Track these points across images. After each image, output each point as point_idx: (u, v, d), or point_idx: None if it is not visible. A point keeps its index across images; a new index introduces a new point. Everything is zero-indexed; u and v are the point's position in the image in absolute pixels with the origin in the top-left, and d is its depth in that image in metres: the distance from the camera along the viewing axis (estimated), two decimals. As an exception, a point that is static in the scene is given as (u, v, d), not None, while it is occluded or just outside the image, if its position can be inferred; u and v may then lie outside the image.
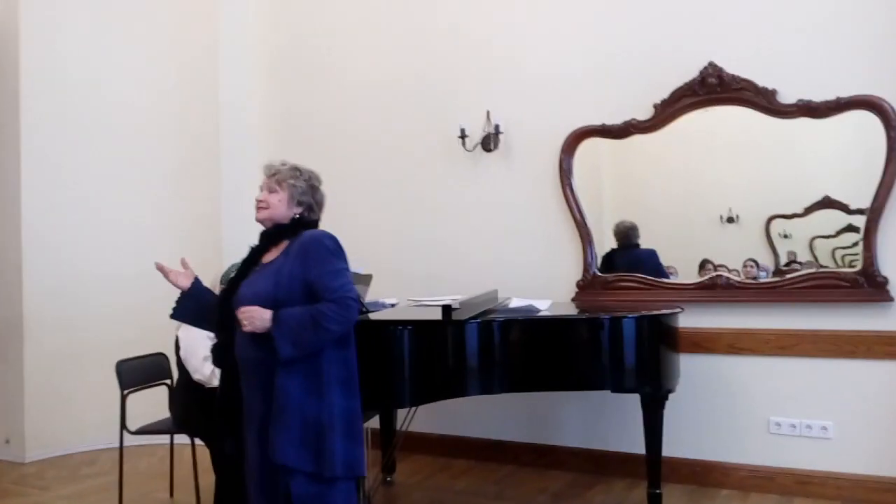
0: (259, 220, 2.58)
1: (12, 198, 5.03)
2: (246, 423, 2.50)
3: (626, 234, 4.33)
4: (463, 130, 4.59)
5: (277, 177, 2.55)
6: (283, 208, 2.54)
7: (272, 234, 2.55)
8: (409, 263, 4.83)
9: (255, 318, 2.33)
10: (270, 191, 2.55)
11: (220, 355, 2.55)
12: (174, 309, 2.63)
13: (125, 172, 5.32)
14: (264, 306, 2.35)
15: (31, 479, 4.52)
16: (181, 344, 3.63)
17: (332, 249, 2.45)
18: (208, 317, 2.63)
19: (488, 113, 4.56)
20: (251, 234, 5.35)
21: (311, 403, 2.36)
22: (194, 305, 2.61)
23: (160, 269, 2.59)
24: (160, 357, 3.92)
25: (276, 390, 2.35)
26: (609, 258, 4.37)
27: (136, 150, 5.35)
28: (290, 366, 2.35)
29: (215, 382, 3.51)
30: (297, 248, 2.45)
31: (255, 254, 2.57)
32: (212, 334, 3.59)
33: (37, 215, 5.03)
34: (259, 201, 2.56)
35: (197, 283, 2.64)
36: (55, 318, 5.04)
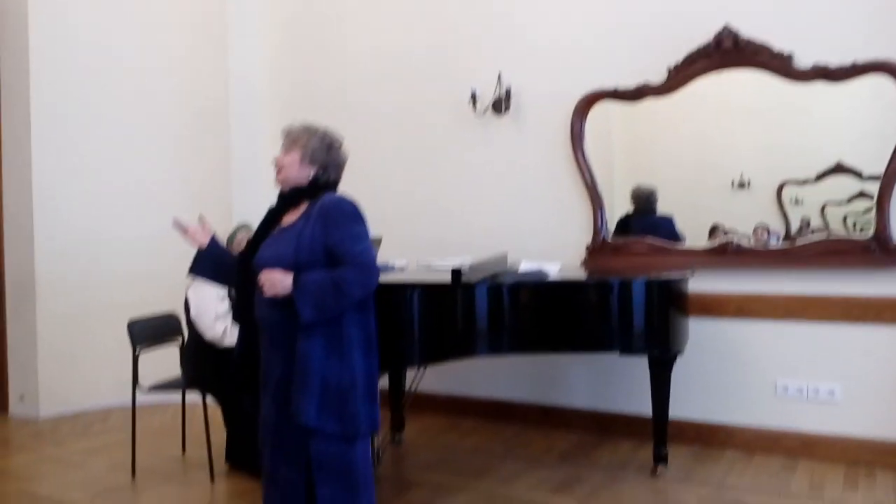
0: (278, 183, 2.56)
1: (23, 160, 5.03)
2: (262, 383, 2.53)
3: (646, 200, 4.29)
4: (474, 93, 4.56)
5: (291, 136, 2.53)
6: (296, 168, 2.50)
7: (290, 196, 2.53)
8: (418, 226, 4.84)
9: (277, 282, 2.34)
10: (285, 151, 2.53)
11: (239, 315, 2.57)
12: (192, 265, 2.66)
13: (135, 135, 5.32)
14: (285, 269, 2.36)
15: (46, 435, 4.60)
16: (191, 304, 3.67)
17: (353, 214, 2.44)
18: (225, 275, 2.67)
19: (500, 75, 4.52)
20: (260, 196, 5.40)
21: (332, 365, 2.38)
22: (212, 263, 2.64)
23: (178, 225, 2.60)
24: (172, 316, 3.95)
25: (298, 354, 2.37)
26: (624, 223, 4.36)
27: (146, 114, 5.35)
28: (311, 329, 2.37)
29: (227, 342, 3.56)
30: (317, 212, 2.43)
31: (274, 215, 2.55)
32: (222, 294, 3.64)
33: (47, 177, 5.04)
34: (275, 164, 2.55)
35: (214, 240, 2.65)
36: (66, 278, 5.08)
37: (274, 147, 5.66)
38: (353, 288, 2.35)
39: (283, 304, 2.37)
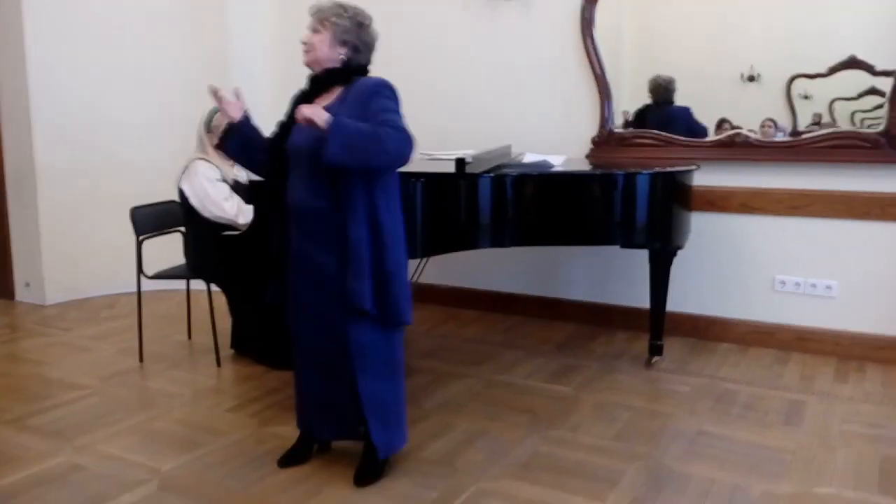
0: (307, 64, 2.47)
1: (15, 39, 4.87)
2: (295, 271, 2.50)
3: (665, 90, 4.16)
4: (480, -25, 4.38)
5: (319, 15, 2.43)
6: (325, 49, 2.42)
7: (323, 79, 2.45)
8: (421, 115, 4.66)
9: (315, 114, 2.24)
10: (314, 31, 2.43)
11: (269, 202, 2.52)
12: (222, 140, 2.56)
13: (133, 17, 5.14)
14: (320, 151, 2.28)
15: (53, 321, 4.69)
16: (188, 194, 3.63)
17: (392, 96, 2.39)
18: (252, 155, 2.57)
19: (507, -44, 4.33)
20: (259, 79, 5.25)
21: (379, 252, 2.37)
22: (242, 141, 2.54)
23: (214, 92, 2.47)
24: (173, 204, 3.93)
25: (351, 240, 2.34)
26: (641, 114, 4.26)
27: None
28: (357, 216, 2.33)
29: (242, 220, 3.55)
30: (354, 95, 2.37)
31: (304, 98, 2.47)
32: (217, 175, 3.60)
33: (43, 62, 4.90)
34: (303, 43, 2.45)
35: (247, 117, 2.55)
36: (66, 165, 5.03)
37: (272, 32, 5.47)
38: (390, 143, 2.26)
39: (323, 190, 2.35)
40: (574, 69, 4.30)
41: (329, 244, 2.40)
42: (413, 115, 4.73)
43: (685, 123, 4.12)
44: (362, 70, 2.49)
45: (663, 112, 4.20)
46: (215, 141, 3.67)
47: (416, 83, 4.76)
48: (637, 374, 3.66)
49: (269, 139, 2.54)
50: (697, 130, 4.10)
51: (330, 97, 2.44)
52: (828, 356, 3.86)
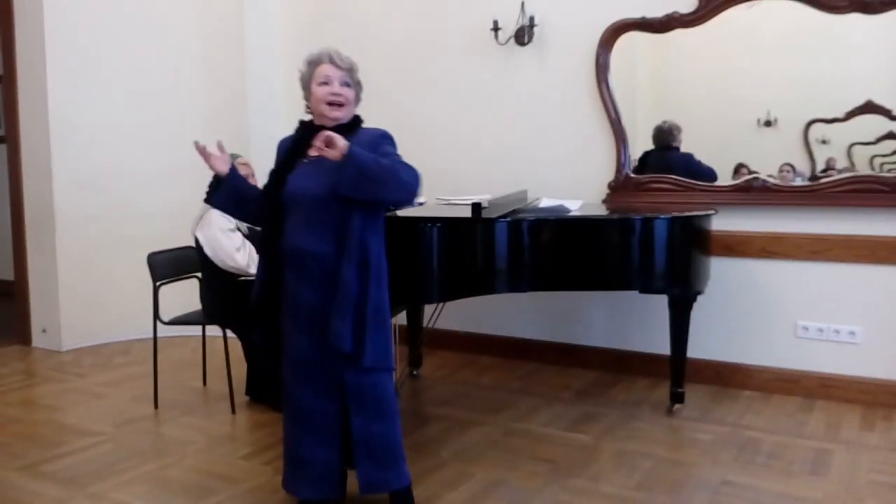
0: (335, 118, 2.48)
1: (39, 92, 4.98)
2: (290, 315, 2.51)
3: (666, 135, 4.17)
4: (496, 23, 4.43)
5: (353, 72, 2.53)
6: (351, 107, 2.53)
7: (338, 130, 2.42)
8: (437, 161, 4.76)
9: (335, 140, 2.25)
10: (347, 85, 2.50)
11: (265, 248, 2.53)
12: (208, 194, 2.60)
13: (151, 67, 5.24)
14: (324, 199, 2.35)
15: (69, 367, 4.68)
16: (202, 243, 3.67)
17: (394, 144, 2.50)
18: (242, 207, 2.62)
19: (522, 4, 4.38)
20: (275, 129, 5.32)
21: (367, 294, 2.39)
22: (230, 192, 2.58)
23: (199, 149, 2.52)
24: (190, 250, 3.95)
25: (342, 281, 2.36)
26: (643, 160, 4.27)
27: (161, 45, 5.26)
28: (350, 258, 2.37)
29: (253, 270, 3.55)
30: (360, 144, 2.38)
31: (299, 146, 2.51)
32: (231, 226, 3.62)
33: (64, 110, 4.99)
34: (336, 94, 2.47)
35: (234, 169, 2.60)
36: (85, 211, 5.09)
37: (289, 76, 5.56)
38: (404, 175, 2.32)
39: (319, 232, 2.39)
40: (589, 114, 4.32)
41: (326, 287, 2.41)
42: (429, 160, 4.79)
43: (685, 169, 4.11)
44: (359, 120, 2.59)
45: (663, 157, 4.20)
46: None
47: (433, 128, 4.81)
48: (658, 422, 3.58)
49: (262, 188, 2.57)
50: (702, 174, 4.09)
51: None
52: (853, 404, 3.77)
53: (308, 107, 2.57)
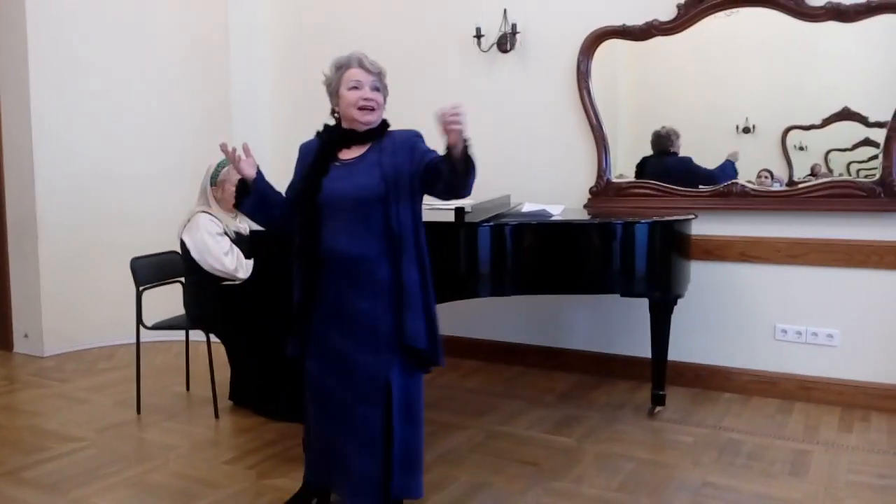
0: (366, 122, 2.44)
1: (21, 94, 4.96)
2: (330, 321, 2.44)
3: (664, 140, 4.19)
4: (478, 30, 4.47)
5: (381, 78, 2.49)
6: (381, 112, 2.50)
7: (358, 136, 2.44)
8: None
9: (462, 116, 2.22)
10: (377, 90, 2.46)
11: (304, 255, 2.43)
12: (238, 200, 2.51)
13: (135, 72, 5.23)
14: (370, 199, 2.34)
15: (51, 372, 4.65)
16: (189, 246, 3.64)
17: (424, 141, 2.51)
18: (269, 212, 2.53)
19: (505, 11, 4.42)
20: (261, 132, 5.31)
21: (426, 294, 2.40)
22: (258, 199, 2.49)
23: (226, 151, 2.43)
24: (174, 254, 3.95)
25: (406, 283, 2.34)
26: (642, 165, 4.31)
27: (145, 50, 5.25)
28: (410, 257, 2.36)
29: (241, 274, 3.56)
30: (396, 144, 2.40)
31: (328, 151, 2.46)
32: (218, 230, 3.61)
33: (46, 114, 4.97)
34: (368, 100, 2.43)
35: (260, 174, 2.50)
36: (68, 216, 5.06)
37: (274, 85, 5.54)
38: (475, 169, 2.34)
39: (365, 237, 2.36)
40: (571, 120, 4.36)
41: (374, 290, 2.37)
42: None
43: (684, 173, 4.15)
44: (387, 123, 2.55)
45: (661, 162, 4.24)
46: (219, 194, 3.72)
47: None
48: (640, 424, 3.62)
49: (294, 194, 2.50)
50: (703, 177, 4.11)
51: (361, 148, 2.45)
52: (832, 405, 3.82)
53: (335, 111, 2.51)
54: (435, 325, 2.42)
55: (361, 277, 2.39)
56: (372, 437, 2.41)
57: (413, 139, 2.46)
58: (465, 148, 2.24)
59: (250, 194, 2.48)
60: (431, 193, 2.45)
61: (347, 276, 2.40)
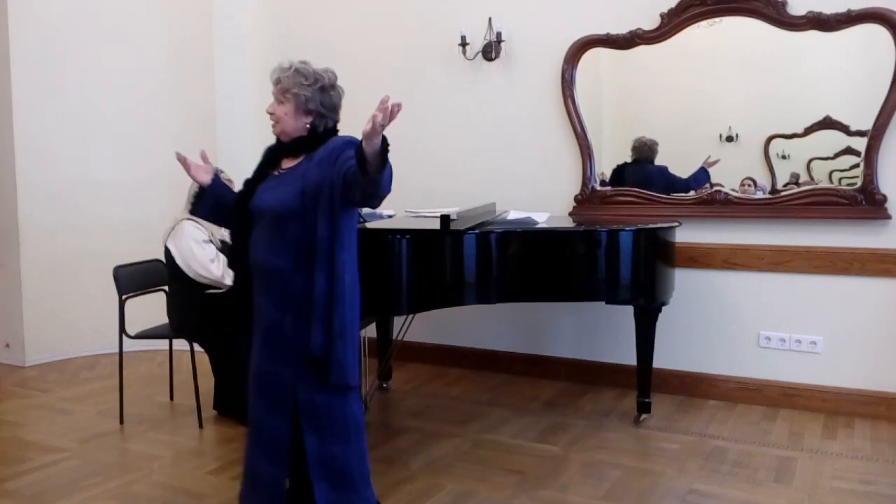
0: (276, 135, 2.44)
1: (3, 101, 4.92)
2: (256, 329, 2.46)
3: (648, 149, 4.22)
4: (463, 38, 4.48)
5: (281, 86, 2.39)
6: (291, 121, 2.39)
7: (290, 147, 2.43)
8: (406, 175, 4.70)
9: (392, 111, 2.07)
10: (278, 102, 2.40)
11: (234, 259, 2.49)
12: (193, 205, 2.55)
13: (118, 79, 5.21)
14: (285, 213, 2.30)
15: (33, 382, 4.60)
16: (174, 254, 3.62)
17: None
18: (226, 216, 2.54)
19: (490, 20, 4.44)
20: (244, 141, 5.30)
21: (332, 308, 2.31)
22: (214, 202, 2.52)
23: (181, 160, 2.45)
24: (157, 263, 3.92)
25: (315, 293, 2.29)
26: (619, 172, 4.33)
27: (129, 56, 5.23)
28: (321, 268, 2.29)
29: (228, 281, 3.53)
30: (324, 155, 2.34)
31: (273, 158, 2.46)
32: (204, 237, 3.60)
33: (29, 119, 4.94)
34: (270, 114, 2.42)
35: (217, 179, 2.53)
36: (50, 224, 5.03)
37: (258, 94, 5.55)
38: (389, 174, 2.21)
39: (279, 247, 2.33)
40: (556, 128, 4.38)
41: (285, 302, 2.35)
42: (398, 174, 4.78)
43: (663, 180, 4.19)
44: (332, 132, 2.47)
45: (642, 170, 4.26)
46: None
47: (401, 142, 4.77)
48: (625, 431, 3.62)
49: (234, 197, 2.52)
50: (678, 185, 4.16)
51: (297, 158, 2.43)
52: (815, 412, 3.84)
53: None
54: (341, 337, 2.31)
55: (276, 288, 2.37)
56: (276, 447, 2.40)
57: (341, 147, 2.33)
58: (383, 145, 2.11)
59: (204, 200, 2.52)
60: (351, 203, 2.30)
61: (265, 285, 2.41)
